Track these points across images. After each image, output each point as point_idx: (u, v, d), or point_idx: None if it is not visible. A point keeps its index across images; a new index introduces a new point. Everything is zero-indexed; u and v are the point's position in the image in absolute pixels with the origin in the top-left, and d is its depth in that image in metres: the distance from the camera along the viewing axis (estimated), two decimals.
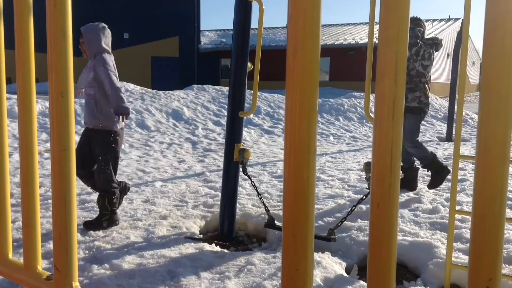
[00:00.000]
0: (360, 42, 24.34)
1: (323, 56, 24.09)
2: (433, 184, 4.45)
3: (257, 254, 2.86)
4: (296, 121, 0.75)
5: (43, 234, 3.05)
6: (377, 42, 0.74)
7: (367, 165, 3.09)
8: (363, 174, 5.15)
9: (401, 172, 3.96)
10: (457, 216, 3.33)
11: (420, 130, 10.30)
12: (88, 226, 3.26)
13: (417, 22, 4.41)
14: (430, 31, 25.39)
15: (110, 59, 3.26)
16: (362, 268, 2.87)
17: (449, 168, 3.94)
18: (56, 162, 1.02)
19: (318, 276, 2.53)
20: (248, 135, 8.66)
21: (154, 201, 4.06)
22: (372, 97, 3.93)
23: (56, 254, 1.06)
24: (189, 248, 2.94)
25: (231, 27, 3.25)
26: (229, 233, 3.40)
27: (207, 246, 3.00)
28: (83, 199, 4.05)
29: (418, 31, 4.39)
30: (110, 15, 24.75)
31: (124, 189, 3.56)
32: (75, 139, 1.12)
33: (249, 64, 3.27)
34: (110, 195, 3.29)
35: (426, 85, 4.43)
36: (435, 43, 4.42)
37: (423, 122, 11.24)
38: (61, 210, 1.03)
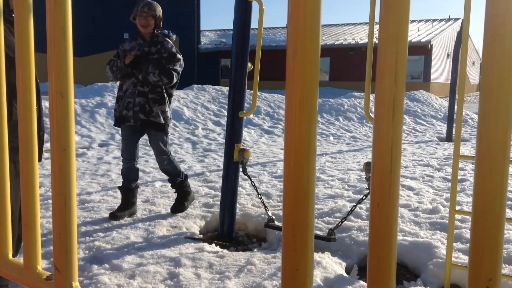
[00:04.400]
0: (360, 42, 24.35)
1: (323, 56, 24.08)
2: (175, 208, 3.77)
3: (257, 254, 2.86)
4: (296, 121, 0.74)
5: (43, 234, 3.05)
6: (377, 42, 0.74)
7: (367, 165, 3.09)
8: (363, 174, 5.15)
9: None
10: (457, 216, 3.33)
11: (420, 131, 10.30)
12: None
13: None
14: (430, 31, 25.37)
15: None
16: (362, 268, 2.87)
17: (194, 195, 3.41)
18: (56, 162, 1.01)
19: (318, 276, 2.53)
20: (248, 135, 8.66)
21: (154, 201, 4.06)
22: (372, 97, 3.92)
23: (56, 254, 1.06)
24: (189, 248, 2.94)
25: (231, 27, 3.24)
26: (229, 233, 3.40)
27: (207, 246, 3.00)
28: (83, 199, 4.05)
29: None
30: (110, 15, 24.79)
31: None
32: (75, 139, 1.12)
33: (249, 64, 3.27)
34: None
35: (171, 98, 3.79)
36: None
37: (422, 122, 11.27)
38: (61, 210, 1.03)
